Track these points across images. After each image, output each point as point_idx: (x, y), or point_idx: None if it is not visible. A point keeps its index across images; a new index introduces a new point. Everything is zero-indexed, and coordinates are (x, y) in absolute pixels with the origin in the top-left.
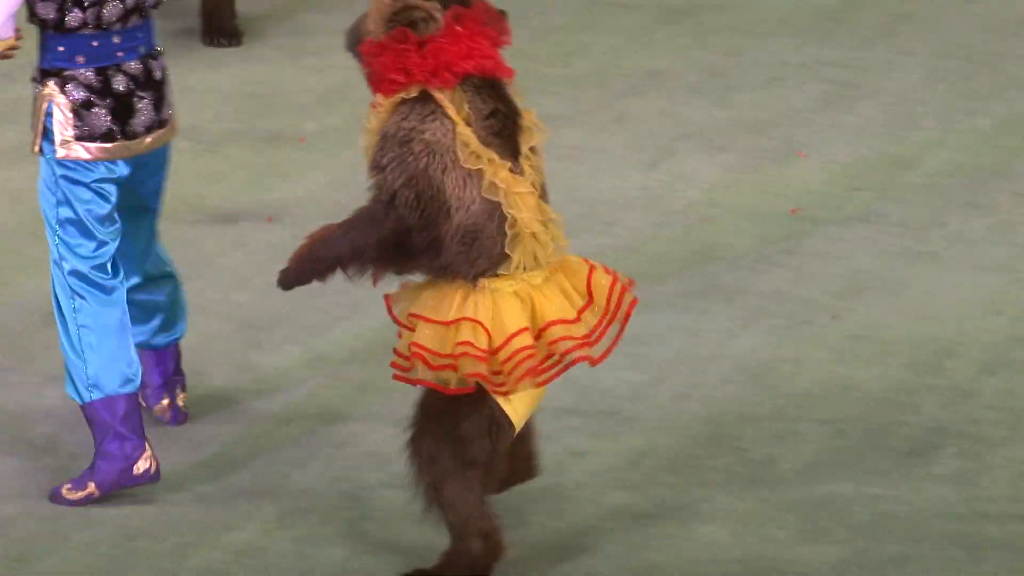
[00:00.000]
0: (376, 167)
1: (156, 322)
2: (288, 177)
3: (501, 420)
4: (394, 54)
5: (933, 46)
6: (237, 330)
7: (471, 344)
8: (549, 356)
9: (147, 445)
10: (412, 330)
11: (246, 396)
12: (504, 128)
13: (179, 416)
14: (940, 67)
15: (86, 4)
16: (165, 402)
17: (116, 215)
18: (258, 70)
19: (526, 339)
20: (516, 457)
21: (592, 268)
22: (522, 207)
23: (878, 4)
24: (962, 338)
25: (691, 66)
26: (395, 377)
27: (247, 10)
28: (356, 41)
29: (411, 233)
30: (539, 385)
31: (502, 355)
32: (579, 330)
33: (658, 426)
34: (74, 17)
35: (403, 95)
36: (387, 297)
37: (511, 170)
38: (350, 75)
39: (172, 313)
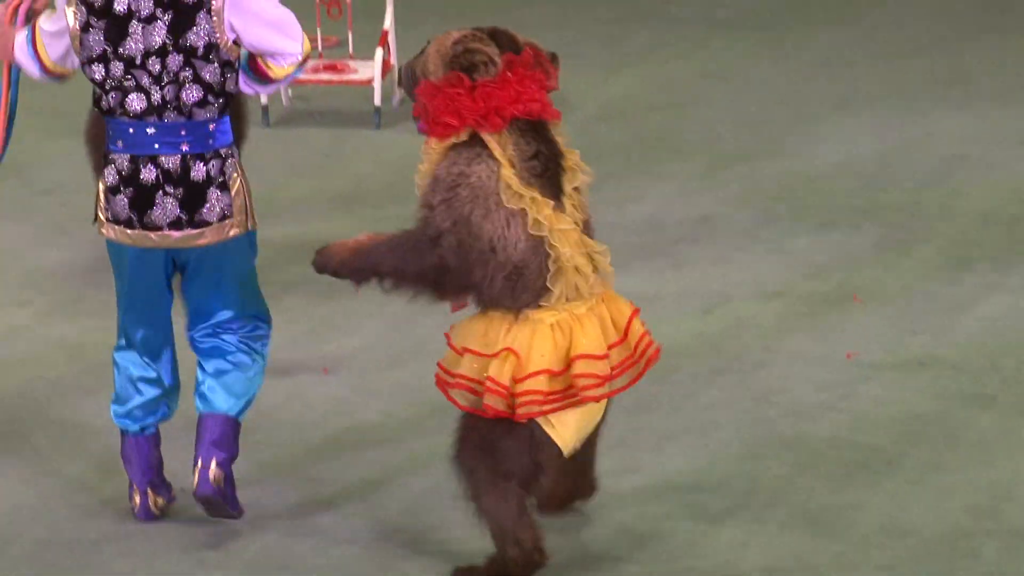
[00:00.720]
0: (426, 205)
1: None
2: (343, 328)
3: (541, 439)
4: (447, 97)
5: (988, 189)
6: (294, 485)
7: (494, 380)
8: (569, 387)
9: (134, 487)
10: (460, 354)
11: (303, 553)
12: (546, 169)
13: None
14: (995, 210)
15: (108, 89)
16: None
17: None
18: (311, 223)
19: (540, 383)
20: (574, 475)
21: (635, 312)
22: (564, 242)
23: (933, 146)
24: (1020, 481)
25: (745, 211)
26: (437, 385)
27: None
28: (414, 82)
29: (448, 273)
30: (541, 415)
31: (516, 388)
32: (603, 367)
33: (716, 575)
34: (105, 101)
35: (454, 139)
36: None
37: (554, 208)
38: (403, 225)
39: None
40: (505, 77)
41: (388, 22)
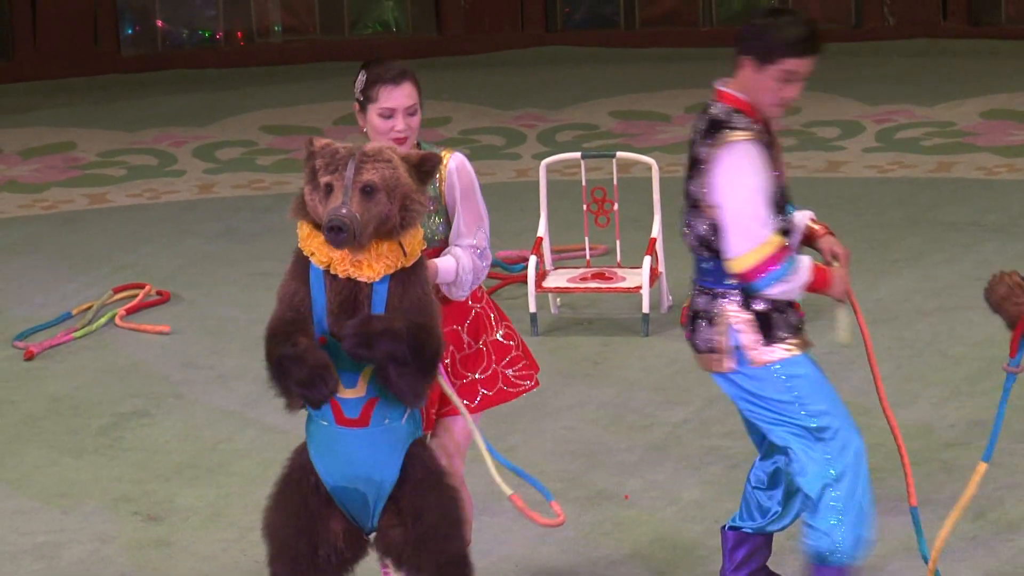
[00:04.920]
0: None
1: None
2: (612, 535)
3: None
4: None
5: None
6: None
7: None
8: None
9: None
10: None
11: None
12: None
13: None
14: None
15: None
16: None
17: None
18: (581, 430)
19: None
20: None
21: None
22: None
23: None
24: None
25: (1021, 416)
26: None
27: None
28: None
29: None
30: None
31: None
32: None
33: None
34: None
35: None
36: None
37: None
38: (672, 432)
39: None
40: None
41: (656, 230)
